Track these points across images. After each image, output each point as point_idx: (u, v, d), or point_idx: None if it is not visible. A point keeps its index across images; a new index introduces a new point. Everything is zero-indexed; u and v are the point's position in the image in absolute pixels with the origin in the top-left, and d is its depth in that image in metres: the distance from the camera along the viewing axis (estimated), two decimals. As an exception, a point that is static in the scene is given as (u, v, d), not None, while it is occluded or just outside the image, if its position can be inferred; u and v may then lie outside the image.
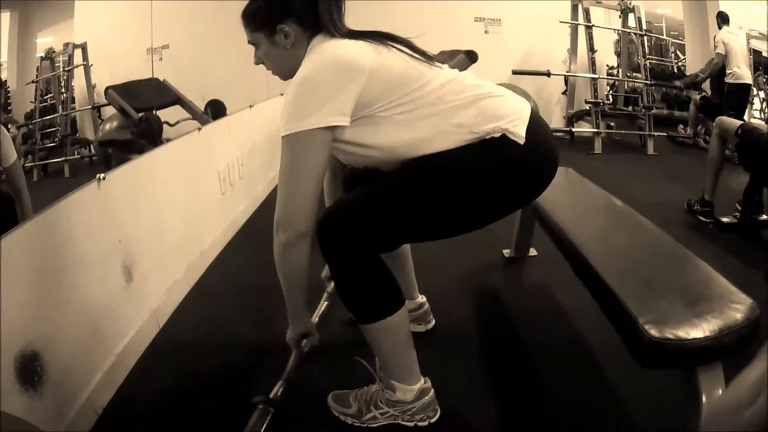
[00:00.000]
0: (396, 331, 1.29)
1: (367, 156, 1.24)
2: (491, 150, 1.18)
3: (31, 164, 5.18)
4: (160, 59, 6.01)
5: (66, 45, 5.70)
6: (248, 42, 1.27)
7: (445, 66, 1.25)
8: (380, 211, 1.21)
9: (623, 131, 5.74)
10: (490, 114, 1.18)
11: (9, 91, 5.46)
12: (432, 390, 1.39)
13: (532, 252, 2.49)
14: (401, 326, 1.30)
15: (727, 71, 5.03)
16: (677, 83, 5.58)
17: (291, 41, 1.21)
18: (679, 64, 7.37)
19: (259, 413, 1.25)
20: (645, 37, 5.89)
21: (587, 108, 5.56)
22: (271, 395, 1.29)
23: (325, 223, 1.19)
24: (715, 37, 5.20)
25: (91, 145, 5.59)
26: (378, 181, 1.25)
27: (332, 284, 1.63)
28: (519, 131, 1.18)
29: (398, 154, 1.21)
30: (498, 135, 1.17)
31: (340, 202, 1.27)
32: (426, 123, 1.18)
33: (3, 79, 5.39)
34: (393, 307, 1.26)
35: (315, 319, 1.58)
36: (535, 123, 1.23)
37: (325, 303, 1.67)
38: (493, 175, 1.20)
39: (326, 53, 1.15)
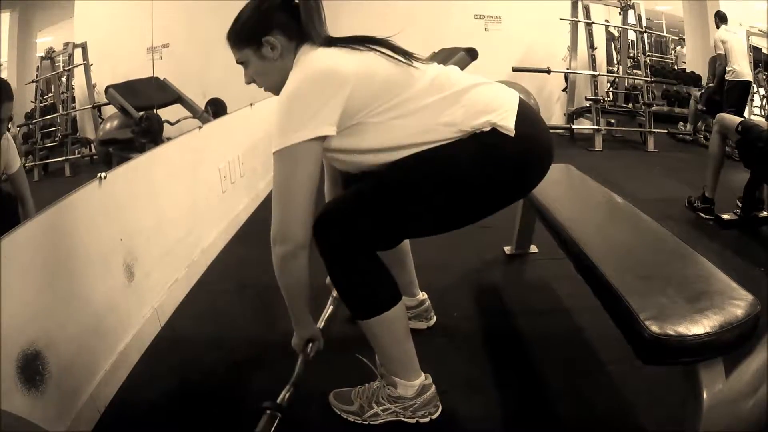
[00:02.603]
0: (394, 326, 1.30)
1: (361, 162, 1.25)
2: (481, 145, 1.18)
3: (32, 164, 5.17)
4: (161, 58, 5.98)
5: (66, 44, 5.67)
6: (237, 62, 1.27)
7: (429, 63, 1.26)
8: (373, 209, 1.22)
9: (623, 128, 5.74)
10: (479, 109, 1.18)
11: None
12: (433, 386, 1.39)
13: (533, 249, 2.49)
14: (399, 321, 1.30)
15: (727, 69, 5.03)
16: (700, 107, 5.45)
17: (278, 52, 1.22)
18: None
19: (267, 418, 1.24)
20: (645, 34, 5.88)
21: (587, 105, 5.56)
22: (279, 400, 1.28)
23: (322, 222, 1.20)
24: (714, 37, 5.20)
25: (92, 144, 5.57)
26: (371, 179, 1.25)
27: None
28: (508, 124, 1.18)
29: (391, 156, 1.21)
30: (488, 129, 1.17)
31: (335, 201, 1.29)
32: (414, 124, 1.18)
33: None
34: (390, 302, 1.27)
35: (321, 324, 1.59)
36: (525, 114, 1.22)
37: (331, 308, 1.67)
38: (486, 171, 1.20)
39: (310, 65, 1.15)
